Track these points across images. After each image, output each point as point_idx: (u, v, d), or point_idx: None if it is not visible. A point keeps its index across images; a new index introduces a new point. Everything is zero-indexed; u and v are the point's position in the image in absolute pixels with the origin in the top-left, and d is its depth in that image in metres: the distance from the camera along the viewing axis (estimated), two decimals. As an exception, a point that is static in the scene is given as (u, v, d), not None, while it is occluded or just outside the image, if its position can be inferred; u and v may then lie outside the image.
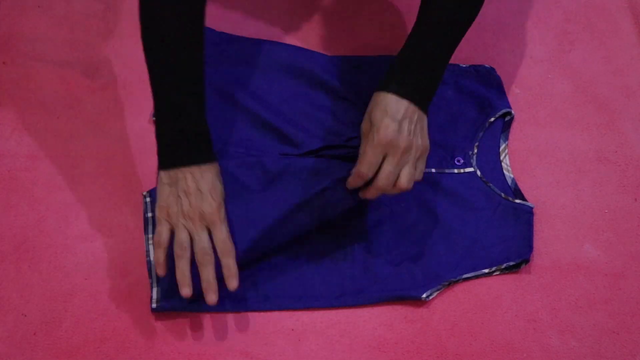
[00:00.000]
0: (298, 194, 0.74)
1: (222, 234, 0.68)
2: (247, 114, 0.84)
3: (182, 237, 0.68)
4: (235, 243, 0.69)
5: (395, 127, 0.66)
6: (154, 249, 0.70)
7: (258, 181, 0.78)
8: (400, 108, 0.67)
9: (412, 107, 0.68)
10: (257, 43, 0.90)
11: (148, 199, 0.78)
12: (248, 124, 0.83)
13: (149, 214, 0.77)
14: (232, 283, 0.68)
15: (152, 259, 0.74)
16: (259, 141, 0.82)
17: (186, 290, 0.68)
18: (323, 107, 0.85)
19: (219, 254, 0.68)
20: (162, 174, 0.69)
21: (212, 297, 0.68)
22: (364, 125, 0.70)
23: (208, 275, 0.68)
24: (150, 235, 0.76)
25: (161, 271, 0.70)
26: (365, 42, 0.95)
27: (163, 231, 0.69)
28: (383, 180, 0.68)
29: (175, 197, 0.68)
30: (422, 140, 0.69)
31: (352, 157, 0.73)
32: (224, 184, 0.71)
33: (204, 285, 0.68)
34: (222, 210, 0.69)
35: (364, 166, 0.68)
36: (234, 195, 0.73)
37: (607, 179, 0.86)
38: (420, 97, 0.69)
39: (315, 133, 0.82)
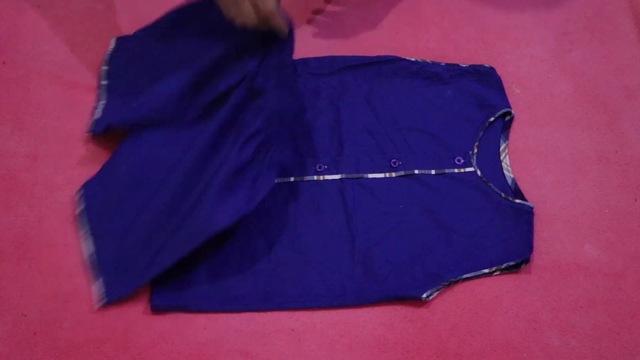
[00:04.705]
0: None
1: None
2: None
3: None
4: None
5: None
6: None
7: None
8: None
9: None
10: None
11: (82, 192, 0.80)
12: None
13: (81, 207, 0.79)
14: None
15: (92, 252, 0.77)
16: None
17: None
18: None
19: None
20: None
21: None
22: None
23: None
24: (85, 229, 0.77)
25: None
26: (362, 42, 0.95)
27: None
28: (245, 12, 0.74)
29: None
30: None
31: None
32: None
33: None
34: None
35: (224, 8, 0.75)
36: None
37: (607, 179, 0.85)
38: None
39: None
